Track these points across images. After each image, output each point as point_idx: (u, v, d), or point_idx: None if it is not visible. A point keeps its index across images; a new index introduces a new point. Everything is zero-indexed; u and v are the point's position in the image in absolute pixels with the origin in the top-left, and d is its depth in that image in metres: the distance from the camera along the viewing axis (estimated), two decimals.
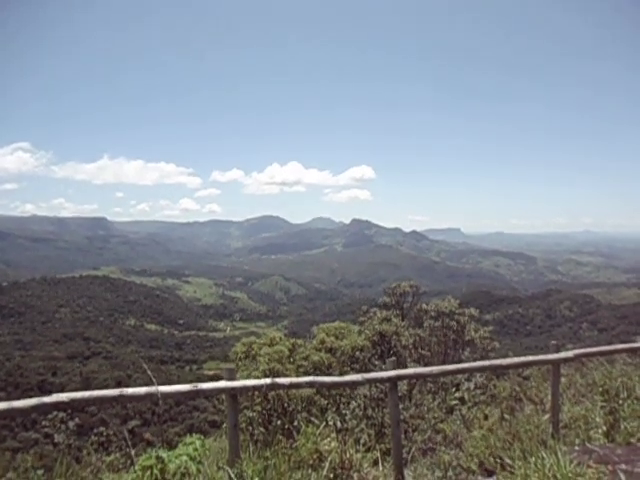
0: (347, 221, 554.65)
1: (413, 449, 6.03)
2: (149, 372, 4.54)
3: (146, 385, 3.98)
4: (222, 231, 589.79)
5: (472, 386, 9.40)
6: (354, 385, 6.88)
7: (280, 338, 10.21)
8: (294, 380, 4.68)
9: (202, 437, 4.21)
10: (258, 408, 7.86)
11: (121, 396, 3.76)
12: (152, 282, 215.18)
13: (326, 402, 8.34)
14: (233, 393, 4.19)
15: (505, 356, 8.45)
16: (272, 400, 7.95)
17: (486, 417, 6.98)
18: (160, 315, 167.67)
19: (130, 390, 3.83)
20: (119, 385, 53.49)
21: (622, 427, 5.04)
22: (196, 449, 3.91)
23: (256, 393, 7.57)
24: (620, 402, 5.33)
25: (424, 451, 6.23)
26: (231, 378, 4.23)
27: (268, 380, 4.37)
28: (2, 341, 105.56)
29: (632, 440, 4.84)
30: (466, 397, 8.66)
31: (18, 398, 3.67)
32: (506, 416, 6.35)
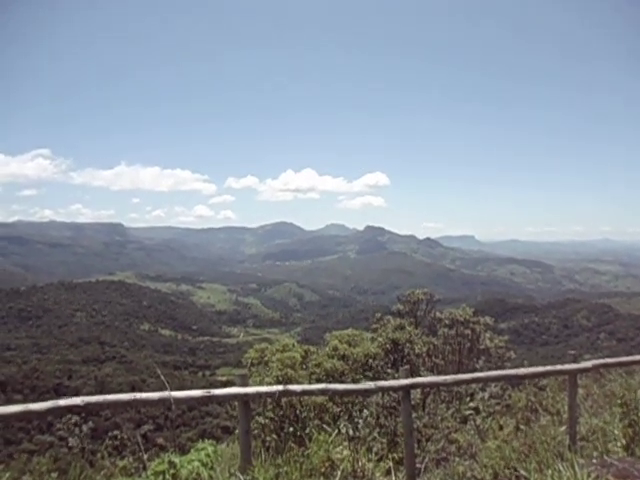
0: (361, 228, 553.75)
1: (426, 459, 5.96)
2: (162, 377, 4.57)
3: (159, 390, 4.00)
4: (236, 237, 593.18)
5: (487, 396, 9.28)
6: (367, 393, 6.84)
7: (293, 344, 10.19)
8: (306, 387, 4.67)
9: (214, 443, 4.22)
10: (270, 415, 7.84)
11: (134, 400, 3.79)
12: (167, 288, 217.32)
13: (338, 410, 8.29)
14: (245, 399, 4.19)
15: (521, 366, 8.33)
16: (284, 407, 7.93)
17: (501, 427, 6.88)
18: (174, 320, 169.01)
19: (143, 395, 3.86)
20: (133, 389, 53.93)
21: None
22: (208, 455, 3.92)
23: (268, 399, 7.56)
24: None
25: (437, 461, 6.15)
26: (243, 384, 4.24)
27: (280, 387, 4.36)
28: (20, 344, 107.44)
29: None
30: (480, 407, 8.54)
31: (34, 401, 3.73)
32: (522, 427, 6.25)
